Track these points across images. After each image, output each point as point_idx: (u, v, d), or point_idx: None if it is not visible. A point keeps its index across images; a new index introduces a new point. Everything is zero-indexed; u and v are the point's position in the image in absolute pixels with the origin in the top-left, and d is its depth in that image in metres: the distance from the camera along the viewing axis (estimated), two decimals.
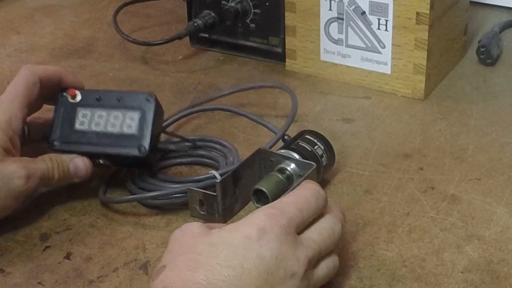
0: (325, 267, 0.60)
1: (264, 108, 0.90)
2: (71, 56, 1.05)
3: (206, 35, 1.04)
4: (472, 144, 0.82)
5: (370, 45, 0.92)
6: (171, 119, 0.84)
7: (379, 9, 0.89)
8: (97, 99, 0.74)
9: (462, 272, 0.64)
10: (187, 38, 1.04)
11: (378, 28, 0.90)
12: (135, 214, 0.73)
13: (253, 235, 0.56)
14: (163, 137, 0.79)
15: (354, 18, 0.91)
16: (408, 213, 0.72)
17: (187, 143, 0.80)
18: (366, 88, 0.94)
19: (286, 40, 0.97)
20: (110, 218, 0.73)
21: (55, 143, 0.74)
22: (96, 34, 1.11)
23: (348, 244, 0.68)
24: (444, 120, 0.87)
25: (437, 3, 0.87)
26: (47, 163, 0.71)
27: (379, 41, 0.91)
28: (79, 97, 0.74)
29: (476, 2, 1.10)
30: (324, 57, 0.96)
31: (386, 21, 0.89)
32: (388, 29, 0.89)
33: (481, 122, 0.86)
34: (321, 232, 0.60)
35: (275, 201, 0.62)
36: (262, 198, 0.69)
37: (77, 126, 0.74)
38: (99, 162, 0.74)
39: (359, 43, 0.92)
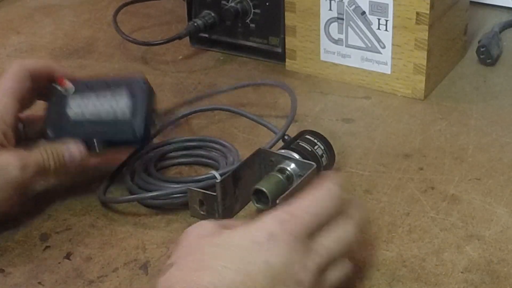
0: (336, 273, 0.58)
1: (264, 108, 0.90)
2: (71, 56, 1.05)
3: (206, 35, 1.04)
4: (472, 144, 0.82)
5: (370, 45, 0.92)
6: (171, 119, 0.84)
7: (379, 9, 0.89)
8: (88, 87, 0.74)
9: (462, 272, 0.64)
10: (187, 38, 1.04)
11: (378, 28, 0.90)
12: (135, 214, 0.73)
13: (263, 240, 0.55)
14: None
15: (354, 18, 0.91)
16: (408, 213, 0.72)
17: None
18: (366, 88, 0.94)
19: (286, 40, 0.97)
20: (110, 218, 0.73)
21: (49, 133, 0.73)
22: (96, 34, 1.11)
23: None
24: (444, 120, 0.87)
25: (437, 3, 0.87)
26: (41, 153, 0.71)
27: (379, 41, 0.91)
28: (70, 86, 0.75)
29: (476, 2, 1.10)
30: (324, 57, 0.96)
31: (386, 21, 0.89)
32: (388, 29, 0.90)
33: (481, 122, 0.86)
34: (333, 237, 0.58)
35: (289, 204, 0.59)
36: (262, 198, 0.69)
37: (70, 115, 0.74)
38: (95, 148, 0.73)
39: (359, 43, 0.92)
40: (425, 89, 0.90)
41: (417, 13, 0.87)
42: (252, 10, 0.99)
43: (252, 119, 0.82)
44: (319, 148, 0.74)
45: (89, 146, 0.73)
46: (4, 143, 0.70)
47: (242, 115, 0.83)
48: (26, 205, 0.73)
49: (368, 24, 0.91)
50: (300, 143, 0.74)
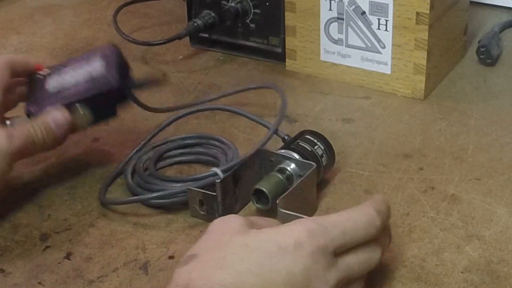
0: None
1: (264, 108, 0.90)
2: (71, 56, 1.05)
3: (206, 35, 1.04)
4: (472, 144, 0.82)
5: (370, 45, 0.92)
6: (171, 119, 0.84)
7: (379, 9, 0.89)
8: (63, 65, 0.77)
9: (462, 272, 0.64)
10: (187, 38, 1.04)
11: (378, 28, 0.90)
12: (135, 214, 0.73)
13: (289, 247, 0.54)
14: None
15: (354, 18, 0.91)
16: (408, 213, 0.72)
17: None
18: (366, 88, 0.94)
19: (286, 40, 0.97)
20: (110, 218, 0.73)
21: (30, 108, 0.75)
22: (96, 34, 1.11)
23: None
24: (444, 120, 0.87)
25: (437, 3, 0.87)
26: (27, 126, 0.72)
27: (379, 41, 0.91)
28: (47, 70, 0.77)
29: (476, 2, 1.10)
30: (324, 57, 0.96)
31: (386, 21, 0.89)
32: (388, 29, 0.90)
33: (481, 122, 0.86)
34: (359, 260, 0.58)
35: (323, 216, 0.59)
36: (262, 198, 0.70)
37: (49, 89, 0.75)
38: (78, 110, 0.74)
39: (359, 43, 0.92)
40: (425, 89, 0.90)
41: (417, 13, 0.87)
42: (252, 10, 0.99)
43: (252, 119, 0.82)
44: (319, 148, 0.74)
45: (72, 111, 0.74)
46: None
47: (242, 115, 0.83)
48: (26, 205, 0.73)
49: (368, 24, 0.91)
50: (300, 143, 0.74)
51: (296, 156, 0.72)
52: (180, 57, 1.04)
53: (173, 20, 1.14)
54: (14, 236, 0.71)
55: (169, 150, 0.80)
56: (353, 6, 0.91)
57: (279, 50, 0.99)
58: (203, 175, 0.73)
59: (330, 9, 0.92)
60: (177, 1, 1.18)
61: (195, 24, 1.01)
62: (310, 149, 0.74)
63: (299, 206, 0.68)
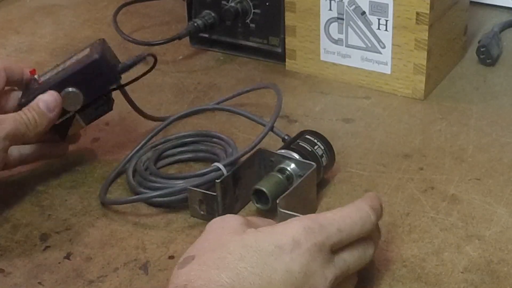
0: (346, 285, 0.60)
1: (264, 108, 0.90)
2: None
3: (206, 35, 1.04)
4: (472, 144, 0.82)
5: (370, 45, 0.92)
6: (171, 119, 0.84)
7: (379, 9, 0.89)
8: (57, 64, 0.80)
9: (462, 272, 0.64)
10: (187, 38, 1.04)
11: (378, 28, 0.90)
12: (135, 214, 0.73)
13: (287, 246, 0.55)
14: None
15: (354, 18, 0.91)
16: (408, 213, 0.72)
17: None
18: (366, 88, 0.94)
19: (286, 40, 0.97)
20: (110, 218, 0.73)
21: (23, 99, 0.76)
22: (96, 34, 1.11)
23: None
24: (444, 120, 0.87)
25: (437, 3, 0.87)
26: (18, 112, 0.73)
27: (379, 41, 0.91)
28: (40, 73, 0.79)
29: (476, 2, 1.10)
30: (324, 57, 0.96)
31: (386, 21, 0.89)
32: (388, 29, 0.90)
33: (481, 122, 0.86)
34: (355, 256, 0.59)
35: (319, 214, 0.60)
36: (262, 198, 0.70)
37: (41, 81, 0.77)
38: (69, 91, 0.75)
39: (359, 43, 0.92)
40: (425, 89, 0.90)
41: (417, 13, 0.87)
42: (252, 10, 0.99)
43: (252, 119, 0.82)
44: (319, 148, 0.74)
45: (64, 94, 0.75)
46: None
47: (242, 115, 0.83)
48: (26, 205, 0.73)
49: (368, 24, 0.91)
50: (300, 143, 0.74)
51: (296, 156, 0.72)
52: (180, 57, 1.04)
53: (173, 20, 1.14)
54: (14, 236, 0.71)
55: (168, 148, 0.80)
56: (353, 6, 0.91)
57: (279, 50, 0.99)
58: (205, 170, 0.73)
59: (330, 9, 0.92)
60: (177, 1, 1.17)
61: (195, 24, 1.01)
62: (310, 149, 0.74)
63: (299, 206, 0.68)
